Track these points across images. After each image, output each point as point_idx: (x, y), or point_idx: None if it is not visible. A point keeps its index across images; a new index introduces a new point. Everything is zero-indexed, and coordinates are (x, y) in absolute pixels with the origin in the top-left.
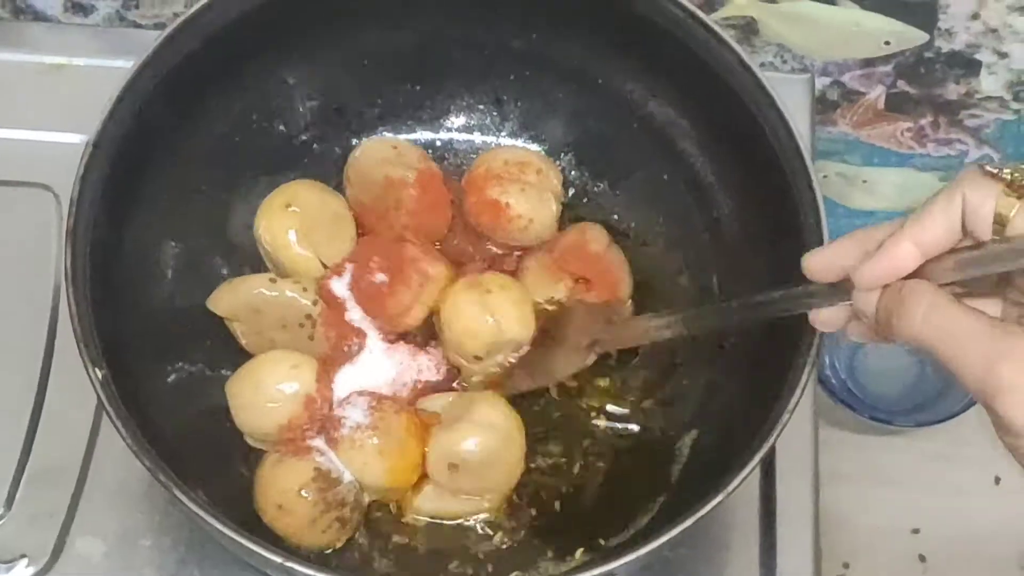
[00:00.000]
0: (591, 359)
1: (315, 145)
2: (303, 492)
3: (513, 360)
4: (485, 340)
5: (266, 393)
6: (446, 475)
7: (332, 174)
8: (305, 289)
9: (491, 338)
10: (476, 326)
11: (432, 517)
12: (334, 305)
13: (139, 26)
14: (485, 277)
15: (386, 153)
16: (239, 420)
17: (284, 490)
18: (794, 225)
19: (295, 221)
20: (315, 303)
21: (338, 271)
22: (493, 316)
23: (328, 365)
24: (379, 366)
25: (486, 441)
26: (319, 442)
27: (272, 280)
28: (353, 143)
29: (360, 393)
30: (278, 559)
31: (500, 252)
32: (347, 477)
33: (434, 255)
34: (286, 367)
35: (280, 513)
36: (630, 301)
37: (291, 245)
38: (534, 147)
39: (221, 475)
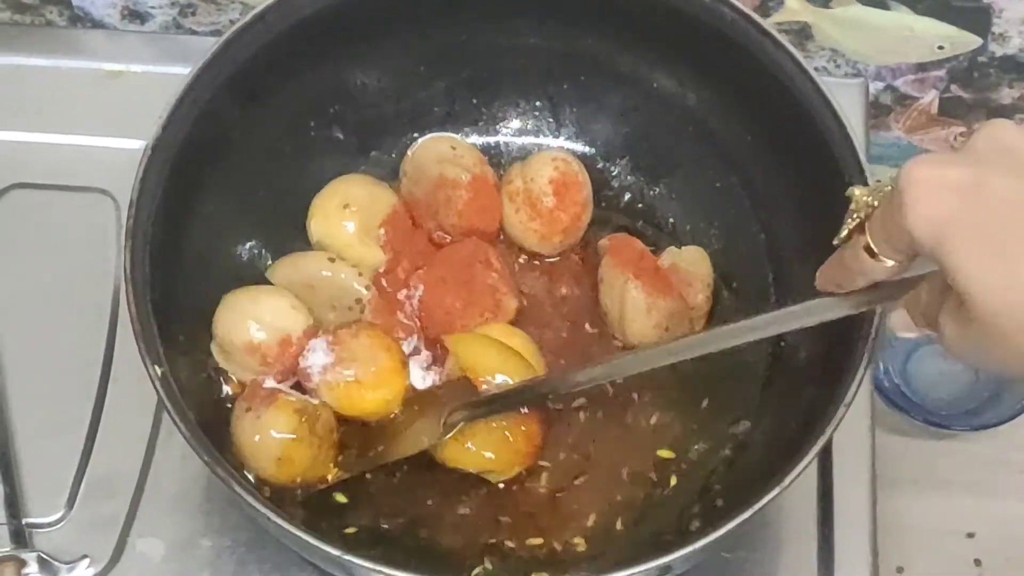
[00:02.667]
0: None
1: (372, 152)
2: (296, 435)
3: None
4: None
5: (255, 313)
6: None
7: (388, 179)
8: (361, 274)
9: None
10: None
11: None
12: (389, 299)
13: (195, 33)
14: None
15: (444, 151)
16: (217, 325)
17: (279, 443)
18: None
19: (353, 220)
20: (367, 289)
21: (406, 282)
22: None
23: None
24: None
25: None
26: (273, 383)
27: (331, 260)
28: (409, 146)
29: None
30: (336, 552)
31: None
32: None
33: (513, 287)
34: (287, 303)
35: (281, 464)
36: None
37: (354, 244)
38: (590, 151)
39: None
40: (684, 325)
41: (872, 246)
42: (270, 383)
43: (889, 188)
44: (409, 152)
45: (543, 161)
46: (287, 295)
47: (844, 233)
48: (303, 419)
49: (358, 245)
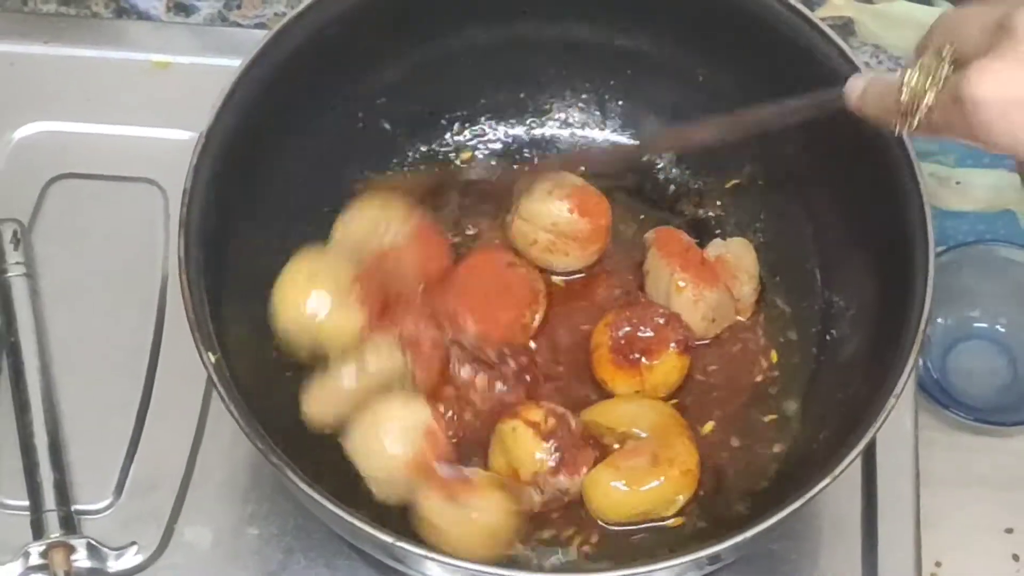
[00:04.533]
0: None
1: (421, 146)
2: (507, 512)
3: None
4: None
5: (389, 439)
6: None
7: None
8: (392, 354)
9: None
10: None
11: None
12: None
13: (240, 26)
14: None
15: (374, 218)
16: (368, 480)
17: (494, 522)
18: (898, 217)
19: (323, 287)
20: (406, 355)
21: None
22: None
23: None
24: None
25: None
26: (449, 469)
27: (361, 369)
28: (456, 140)
29: None
30: (388, 539)
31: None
32: None
33: (536, 272)
34: (399, 407)
35: (491, 541)
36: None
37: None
38: (636, 143)
39: (325, 463)
40: (731, 316)
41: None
42: (447, 470)
43: (942, 83)
44: (337, 234)
45: (542, 202)
46: (390, 402)
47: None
48: (507, 492)
49: (335, 316)
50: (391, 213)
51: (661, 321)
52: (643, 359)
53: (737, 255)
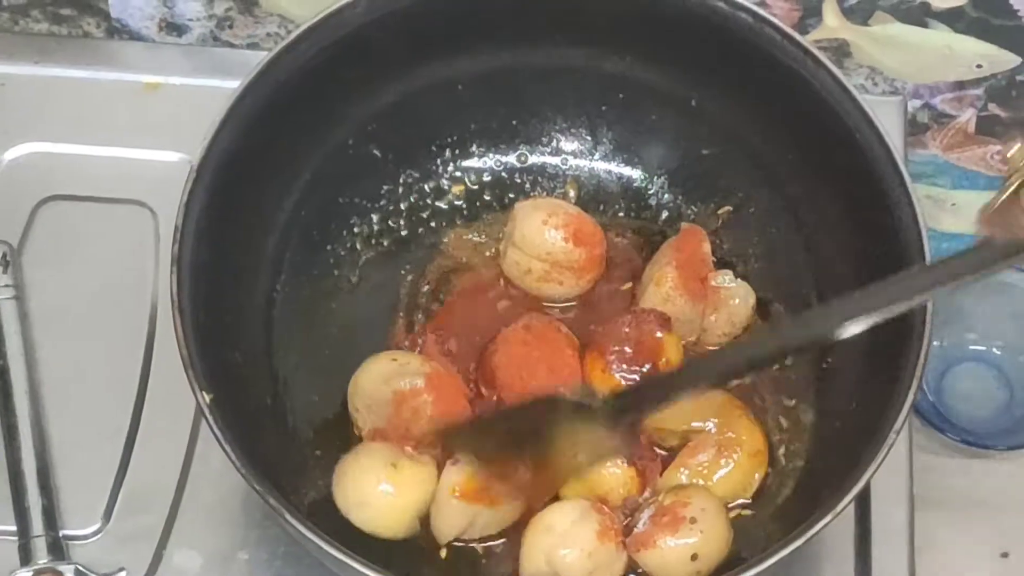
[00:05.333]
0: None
1: (411, 170)
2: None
3: None
4: None
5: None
6: None
7: (427, 198)
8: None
9: None
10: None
11: None
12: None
13: (232, 46)
14: None
15: (387, 369)
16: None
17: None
18: (894, 243)
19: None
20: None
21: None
22: None
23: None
24: None
25: None
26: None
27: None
28: (447, 166)
29: None
30: None
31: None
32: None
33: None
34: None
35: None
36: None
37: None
38: (627, 169)
39: (313, 494)
40: (686, 335)
41: None
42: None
43: None
44: (353, 383)
45: (537, 231)
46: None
47: (1008, 192)
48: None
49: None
50: (402, 360)
51: (634, 326)
52: (653, 363)
53: (733, 296)
